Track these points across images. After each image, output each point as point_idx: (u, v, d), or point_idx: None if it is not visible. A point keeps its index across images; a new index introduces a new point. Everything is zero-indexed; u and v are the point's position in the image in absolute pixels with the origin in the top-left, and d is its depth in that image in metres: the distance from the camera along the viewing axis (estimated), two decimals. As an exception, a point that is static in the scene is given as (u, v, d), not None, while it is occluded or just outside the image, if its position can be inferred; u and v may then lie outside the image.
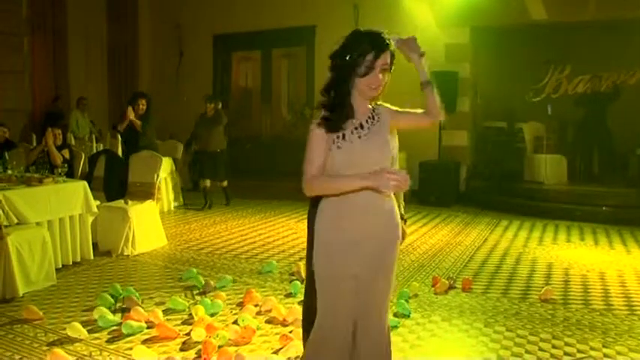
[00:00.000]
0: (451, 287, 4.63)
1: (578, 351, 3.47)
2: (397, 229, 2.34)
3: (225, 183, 8.47)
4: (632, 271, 5.29)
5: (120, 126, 7.03)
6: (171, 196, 8.25)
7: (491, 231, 7.01)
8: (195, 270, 4.96)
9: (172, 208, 8.16)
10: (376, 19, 9.70)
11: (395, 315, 3.97)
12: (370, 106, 2.29)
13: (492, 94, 9.96)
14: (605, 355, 3.41)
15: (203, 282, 4.57)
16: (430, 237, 6.66)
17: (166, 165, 7.85)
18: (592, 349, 3.50)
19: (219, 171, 8.27)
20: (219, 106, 8.50)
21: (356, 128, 2.21)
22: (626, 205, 7.83)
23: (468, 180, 9.51)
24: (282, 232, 6.83)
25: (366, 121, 2.25)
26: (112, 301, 4.11)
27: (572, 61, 9.98)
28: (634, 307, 4.29)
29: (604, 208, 7.75)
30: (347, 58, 2.16)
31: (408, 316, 3.96)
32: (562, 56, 10.00)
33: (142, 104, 6.98)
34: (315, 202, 2.42)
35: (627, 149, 9.15)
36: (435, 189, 8.82)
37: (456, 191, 9.21)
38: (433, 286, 4.67)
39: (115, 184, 6.37)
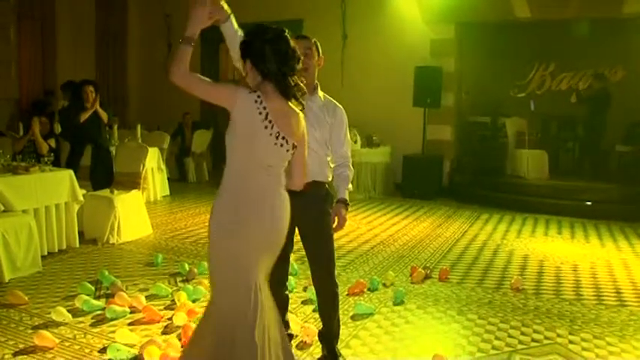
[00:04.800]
0: (427, 277, 4.77)
1: (546, 338, 3.63)
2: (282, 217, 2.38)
3: None
4: (604, 263, 5.47)
5: (82, 116, 6.54)
6: (158, 186, 8.32)
7: (472, 224, 7.17)
8: (161, 255, 5.10)
9: (159, 198, 8.24)
10: (363, 13, 9.84)
11: (394, 303, 4.13)
12: None
13: (477, 90, 10.12)
14: (571, 342, 3.57)
15: (188, 269, 4.70)
16: (411, 229, 6.80)
17: (153, 155, 7.91)
18: (559, 336, 3.66)
19: None
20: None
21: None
22: (604, 200, 8.01)
23: (451, 174, 9.66)
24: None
25: None
26: (92, 289, 4.21)
27: (557, 58, 10.15)
28: (602, 297, 4.46)
29: (588, 203, 7.91)
30: None
31: (399, 304, 4.12)
32: (546, 53, 10.16)
33: (91, 91, 6.55)
34: None
35: (608, 146, 9.35)
36: (418, 182, 8.95)
37: (439, 185, 9.36)
38: (411, 275, 4.81)
39: (102, 173, 6.44)
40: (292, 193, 2.90)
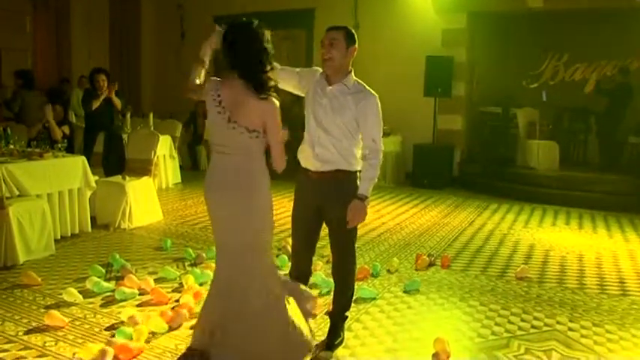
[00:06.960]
0: (431, 264, 4.83)
1: (545, 325, 3.68)
2: None
3: None
4: (609, 254, 5.47)
5: (95, 103, 6.58)
6: (170, 173, 8.44)
7: (480, 213, 7.19)
8: (170, 240, 5.21)
9: (170, 185, 8.36)
10: (374, 2, 9.83)
11: (405, 291, 4.18)
12: None
13: (488, 80, 10.07)
14: (570, 329, 3.61)
15: (194, 255, 4.80)
16: (419, 218, 6.85)
17: (165, 143, 8.04)
18: (558, 323, 3.70)
19: None
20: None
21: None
22: (615, 191, 7.97)
23: (461, 164, 9.66)
24: (275, 208, 6.98)
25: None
26: (103, 271, 4.33)
27: (570, 48, 10.06)
28: (605, 287, 4.49)
29: (598, 194, 7.86)
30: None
31: (410, 292, 4.17)
32: (560, 43, 10.07)
33: (102, 79, 6.63)
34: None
35: (621, 137, 9.28)
36: (429, 172, 8.98)
37: (450, 174, 9.37)
38: (415, 262, 4.86)
39: (114, 160, 6.56)
40: (317, 180, 3.01)
